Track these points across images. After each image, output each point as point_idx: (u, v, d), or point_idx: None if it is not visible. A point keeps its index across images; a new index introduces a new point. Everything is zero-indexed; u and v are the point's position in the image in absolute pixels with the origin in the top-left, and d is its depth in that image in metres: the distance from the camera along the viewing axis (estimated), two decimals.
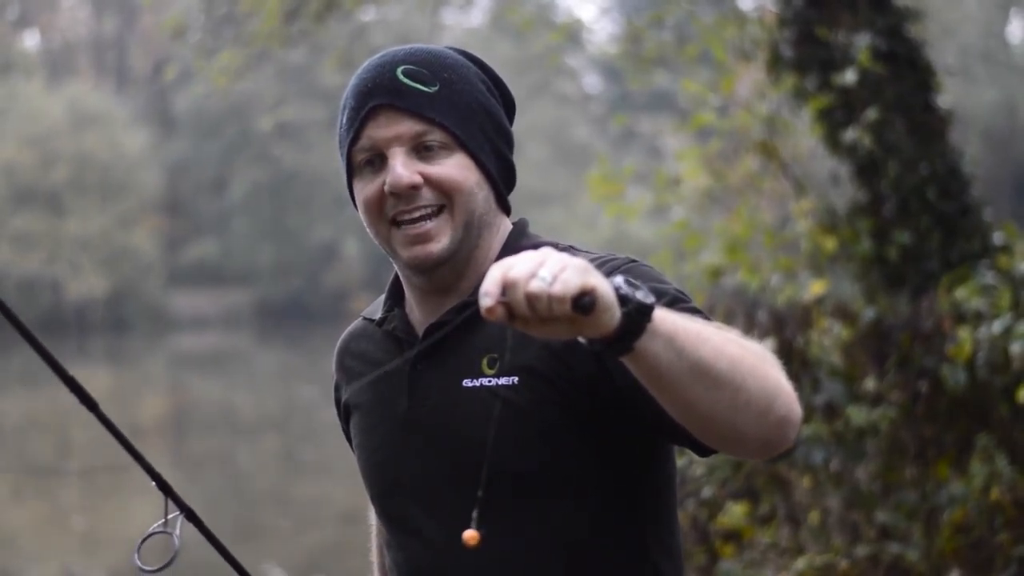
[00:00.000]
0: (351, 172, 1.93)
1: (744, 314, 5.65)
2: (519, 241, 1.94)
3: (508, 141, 1.96)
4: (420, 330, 1.94)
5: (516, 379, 1.83)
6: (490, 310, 1.44)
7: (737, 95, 7.40)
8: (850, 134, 6.20)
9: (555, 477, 1.83)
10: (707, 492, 5.53)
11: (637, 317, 1.51)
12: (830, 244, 6.33)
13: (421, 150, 1.87)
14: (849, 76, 6.16)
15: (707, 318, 1.72)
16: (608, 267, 1.82)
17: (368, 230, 1.93)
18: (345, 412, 2.08)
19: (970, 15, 32.49)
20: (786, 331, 5.48)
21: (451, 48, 1.96)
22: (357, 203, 1.93)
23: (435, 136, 1.87)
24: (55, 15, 49.47)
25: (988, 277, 5.50)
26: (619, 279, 1.52)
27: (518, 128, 1.99)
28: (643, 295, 1.52)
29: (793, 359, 5.28)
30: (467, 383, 1.86)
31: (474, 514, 1.57)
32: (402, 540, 1.96)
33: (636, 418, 1.78)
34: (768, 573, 5.28)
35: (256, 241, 44.50)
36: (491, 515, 1.86)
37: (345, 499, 12.05)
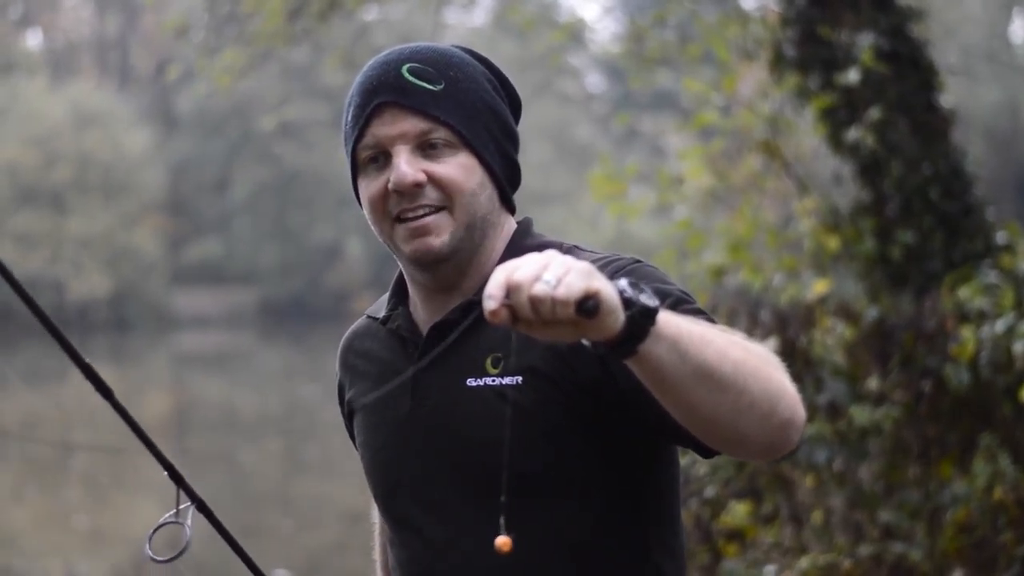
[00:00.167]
0: (356, 169, 1.93)
1: (747, 314, 5.64)
2: (523, 240, 1.94)
3: (513, 140, 1.95)
4: (424, 329, 1.94)
5: (520, 379, 1.83)
6: (494, 313, 1.44)
7: (740, 94, 7.39)
8: (853, 134, 6.20)
9: (559, 478, 1.83)
10: (710, 491, 5.53)
11: (641, 320, 1.51)
12: (833, 244, 6.32)
13: (426, 148, 1.87)
14: (852, 76, 6.15)
15: (711, 319, 1.72)
16: (612, 267, 1.82)
17: (373, 228, 1.92)
18: (349, 411, 2.08)
19: (973, 15, 32.46)
20: (789, 331, 5.47)
21: (458, 47, 1.96)
22: (362, 201, 1.93)
23: (440, 134, 1.86)
24: (58, 15, 49.49)
25: (991, 277, 5.49)
26: (623, 282, 1.52)
27: (520, 127, 1.99)
28: (647, 298, 1.52)
29: (796, 359, 5.27)
30: (471, 382, 1.86)
31: (501, 520, 1.56)
32: (405, 539, 1.96)
33: (640, 420, 1.77)
34: (771, 572, 5.27)
35: (259, 241, 44.51)
36: (494, 515, 1.86)
37: (347, 498, 12.05)
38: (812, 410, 5.14)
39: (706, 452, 1.76)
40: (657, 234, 11.28)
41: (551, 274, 1.44)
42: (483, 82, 1.92)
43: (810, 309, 5.66)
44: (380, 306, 2.04)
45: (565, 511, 1.84)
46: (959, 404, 5.18)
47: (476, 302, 1.85)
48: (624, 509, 1.87)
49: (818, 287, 6.00)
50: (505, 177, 1.93)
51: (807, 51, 6.45)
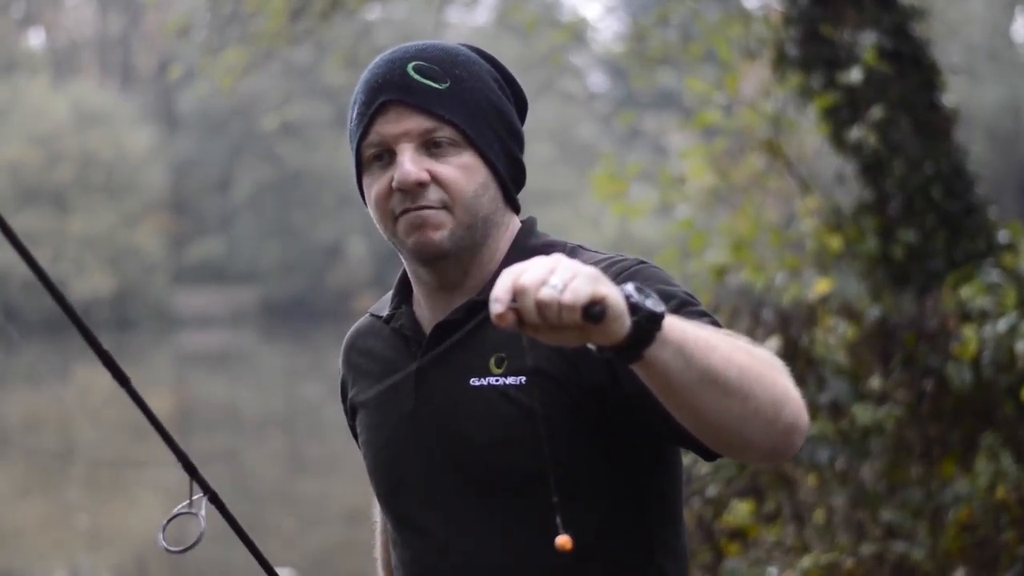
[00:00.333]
0: (360, 167, 1.92)
1: (749, 313, 5.64)
2: (527, 240, 1.94)
3: (518, 140, 1.95)
4: (427, 328, 1.94)
5: (523, 379, 1.83)
6: (500, 316, 1.45)
7: (742, 93, 7.38)
8: (855, 133, 6.20)
9: (565, 479, 1.83)
10: (712, 490, 5.53)
11: (647, 326, 1.51)
12: (835, 243, 6.32)
13: (430, 146, 1.87)
14: (854, 75, 6.15)
15: (716, 321, 1.73)
16: (616, 268, 1.82)
17: (377, 225, 1.92)
18: (352, 409, 2.08)
19: (976, 14, 32.45)
20: (791, 330, 5.47)
21: (465, 45, 1.96)
22: (366, 198, 1.93)
23: (444, 133, 1.86)
24: (60, 14, 49.51)
25: (993, 276, 5.49)
26: (630, 287, 1.52)
27: (523, 127, 1.99)
28: (653, 303, 1.52)
29: (798, 358, 5.27)
30: (474, 382, 1.86)
31: (557, 520, 1.56)
32: (407, 538, 1.96)
33: (644, 423, 1.77)
34: (773, 571, 5.27)
35: (261, 240, 44.52)
36: (498, 515, 1.86)
37: (350, 497, 12.05)
38: (814, 409, 5.13)
39: (708, 455, 1.76)
40: (659, 233, 11.27)
41: (558, 278, 1.45)
42: (489, 81, 1.92)
43: (812, 308, 5.65)
44: (383, 304, 2.04)
45: (570, 513, 1.84)
46: (961, 403, 5.18)
47: (480, 302, 1.85)
48: (629, 511, 1.87)
49: (820, 286, 5.99)
50: (509, 177, 1.93)
51: (809, 50, 6.44)
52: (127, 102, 45.01)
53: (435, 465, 1.90)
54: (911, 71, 6.35)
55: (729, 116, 7.33)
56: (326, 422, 17.37)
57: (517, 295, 1.45)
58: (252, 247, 44.55)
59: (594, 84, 41.25)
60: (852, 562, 5.08)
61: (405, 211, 1.87)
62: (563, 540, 1.55)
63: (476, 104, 1.89)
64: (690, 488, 5.51)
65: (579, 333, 1.47)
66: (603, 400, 1.80)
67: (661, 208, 8.15)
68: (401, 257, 1.96)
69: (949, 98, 6.46)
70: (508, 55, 2.12)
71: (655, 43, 8.22)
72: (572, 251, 1.91)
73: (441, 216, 1.86)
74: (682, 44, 8.03)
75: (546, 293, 1.44)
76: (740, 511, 5.50)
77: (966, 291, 5.37)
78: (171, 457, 1.69)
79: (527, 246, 1.92)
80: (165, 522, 1.75)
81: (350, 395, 2.07)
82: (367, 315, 2.08)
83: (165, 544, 1.73)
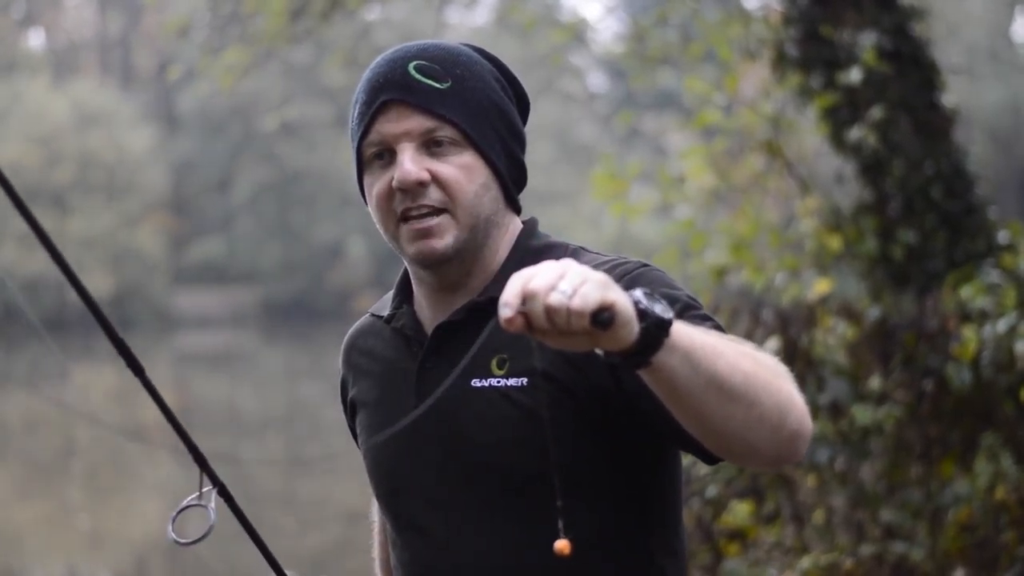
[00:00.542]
0: (361, 166, 1.92)
1: (749, 313, 5.64)
2: (529, 241, 1.94)
3: (520, 140, 1.95)
4: (428, 328, 1.94)
5: (525, 380, 1.83)
6: (509, 320, 1.45)
7: (742, 94, 7.38)
8: (855, 133, 6.20)
9: (567, 481, 1.83)
10: (712, 491, 5.53)
11: (655, 332, 1.52)
12: (835, 243, 6.32)
13: (431, 146, 1.87)
14: (854, 75, 6.15)
15: (719, 325, 1.73)
16: (619, 271, 1.82)
17: (377, 225, 1.92)
18: (351, 409, 2.08)
19: (975, 14, 32.45)
20: (791, 330, 5.47)
21: (467, 45, 1.95)
22: (367, 198, 1.92)
23: (445, 132, 1.86)
24: (60, 14, 49.51)
25: (993, 276, 5.49)
26: (638, 292, 1.53)
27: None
28: (661, 309, 1.52)
29: (798, 358, 5.27)
30: (476, 383, 1.85)
31: (560, 524, 1.57)
32: (406, 538, 1.96)
33: (647, 426, 1.78)
34: (772, 572, 5.27)
35: (261, 240, 44.52)
36: (498, 516, 1.86)
37: (349, 498, 12.04)
38: (814, 410, 5.12)
39: (710, 459, 1.76)
40: (659, 234, 11.28)
41: (567, 284, 1.45)
42: (490, 81, 1.92)
43: (812, 309, 5.65)
44: (384, 304, 2.04)
45: (572, 514, 1.84)
46: (961, 404, 5.18)
47: (481, 303, 1.85)
48: (630, 512, 1.87)
49: (820, 287, 6.00)
50: (510, 177, 1.93)
51: (809, 50, 6.44)
52: (127, 102, 44.99)
53: (435, 465, 1.90)
54: (911, 71, 6.35)
55: (729, 116, 7.33)
56: (326, 422, 17.36)
57: (526, 299, 1.45)
58: (252, 247, 44.54)
59: (594, 84, 41.27)
60: (851, 562, 5.08)
61: (408, 217, 1.87)
62: (561, 545, 1.56)
63: (477, 104, 1.88)
64: (690, 489, 5.50)
65: (587, 338, 1.47)
66: (607, 402, 1.80)
67: (661, 208, 8.16)
68: (401, 257, 1.95)
69: (949, 98, 6.46)
70: (508, 55, 2.12)
71: (655, 43, 8.21)
72: (573, 253, 1.90)
73: (443, 222, 1.86)
74: (682, 44, 8.03)
75: (555, 298, 1.44)
76: (739, 512, 5.50)
77: (966, 291, 5.37)
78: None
79: (529, 247, 1.92)
80: (175, 513, 1.76)
81: (350, 395, 2.07)
82: (368, 315, 2.08)
83: (175, 536, 1.73)
